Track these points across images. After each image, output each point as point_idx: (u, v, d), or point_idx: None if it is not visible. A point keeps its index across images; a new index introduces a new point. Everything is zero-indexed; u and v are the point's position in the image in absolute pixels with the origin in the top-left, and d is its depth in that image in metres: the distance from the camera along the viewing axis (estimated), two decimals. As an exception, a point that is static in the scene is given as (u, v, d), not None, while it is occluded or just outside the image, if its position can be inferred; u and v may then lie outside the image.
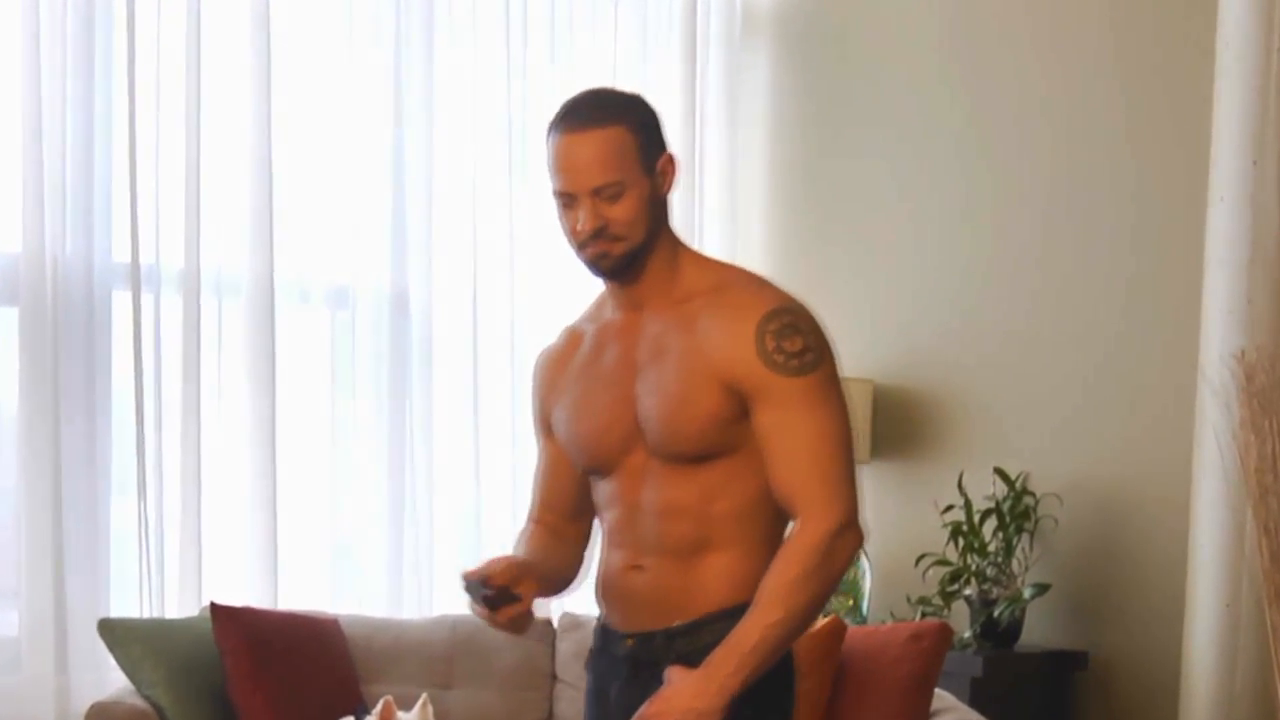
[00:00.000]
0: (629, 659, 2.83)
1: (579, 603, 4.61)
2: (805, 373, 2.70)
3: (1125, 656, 5.14)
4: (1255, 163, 4.63)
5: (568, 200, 2.74)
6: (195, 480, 4.96)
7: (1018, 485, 5.18)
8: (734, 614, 2.70)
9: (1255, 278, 4.65)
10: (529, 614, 2.76)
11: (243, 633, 4.52)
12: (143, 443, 4.86)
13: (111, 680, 4.65)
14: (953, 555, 5.17)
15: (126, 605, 4.86)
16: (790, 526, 2.75)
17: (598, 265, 2.77)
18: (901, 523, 5.51)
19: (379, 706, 4.00)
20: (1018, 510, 5.16)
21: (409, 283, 5.39)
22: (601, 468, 2.85)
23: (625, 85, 2.93)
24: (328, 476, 5.29)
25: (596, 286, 2.91)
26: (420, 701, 4.07)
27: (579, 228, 2.73)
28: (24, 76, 4.73)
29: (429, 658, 4.88)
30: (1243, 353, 4.59)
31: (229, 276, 5.08)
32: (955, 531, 5.16)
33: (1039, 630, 5.22)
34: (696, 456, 2.74)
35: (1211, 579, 4.71)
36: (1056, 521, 5.19)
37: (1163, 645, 4.97)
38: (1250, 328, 4.63)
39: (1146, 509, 5.11)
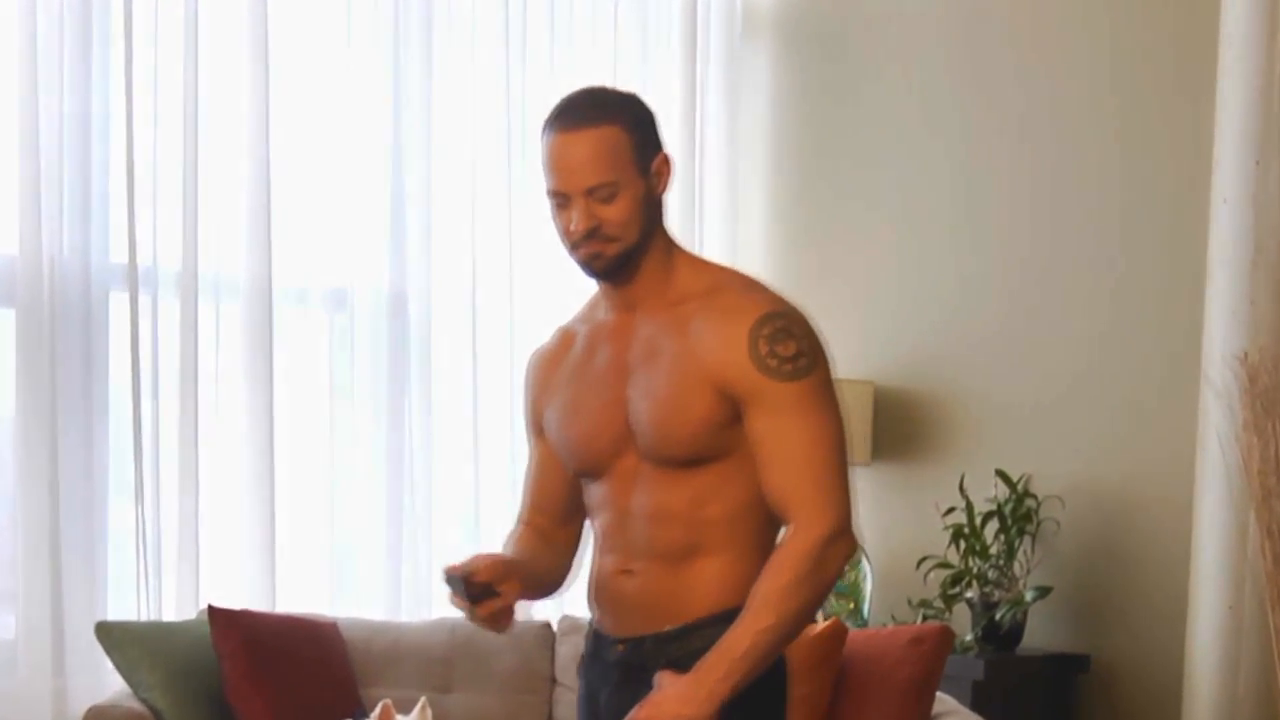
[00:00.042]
0: (619, 664, 2.82)
1: (578, 606, 4.58)
2: (799, 377, 2.68)
3: (1127, 659, 5.13)
4: (1258, 163, 4.63)
5: (561, 200, 2.72)
6: (193, 482, 4.95)
7: (1019, 487, 5.17)
8: (724, 619, 2.68)
9: (1258, 279, 4.64)
10: (510, 612, 2.74)
11: (241, 636, 4.51)
12: (140, 445, 4.86)
13: (109, 683, 4.65)
14: (954, 558, 5.16)
15: (124, 608, 4.86)
16: (782, 532, 2.72)
17: (591, 266, 2.75)
18: (902, 525, 5.51)
19: (378, 710, 3.99)
20: (1019, 512, 5.15)
21: (407, 285, 5.38)
22: (592, 471, 2.83)
23: (625, 86, 2.90)
24: (326, 479, 5.29)
25: (594, 288, 2.89)
26: (419, 705, 4.06)
27: (572, 228, 2.72)
28: (21, 77, 4.72)
29: (428, 661, 4.87)
30: (1245, 354, 4.58)
31: (227, 278, 5.07)
32: (956, 534, 5.15)
33: (1041, 633, 5.21)
34: (688, 461, 2.72)
35: (1214, 582, 4.70)
36: (1058, 524, 5.18)
37: (1165, 648, 4.96)
38: (1253, 329, 4.63)
39: (1149, 511, 5.10)
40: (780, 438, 2.68)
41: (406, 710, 4.05)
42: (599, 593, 2.86)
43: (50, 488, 4.72)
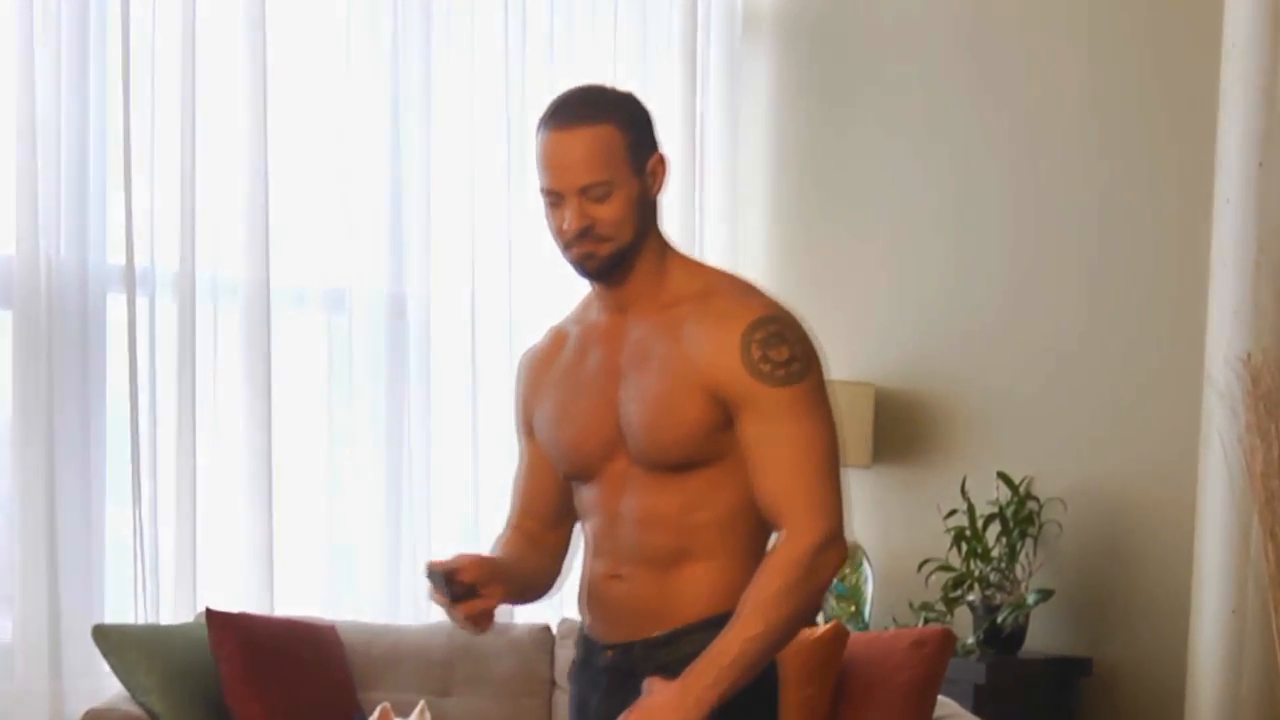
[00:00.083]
0: (609, 670, 2.80)
1: (578, 609, 4.57)
2: (791, 383, 2.66)
3: (1130, 663, 5.12)
4: (1261, 165, 4.64)
5: (554, 198, 2.70)
6: (190, 485, 4.94)
7: (1021, 490, 5.17)
8: (713, 625, 2.66)
9: (1261, 280, 4.64)
10: (490, 615, 2.71)
11: (239, 639, 4.50)
12: (137, 447, 4.84)
13: (106, 687, 4.63)
14: (955, 561, 5.16)
15: (121, 611, 4.85)
16: (774, 538, 2.70)
17: (583, 266, 2.73)
18: (904, 528, 5.51)
19: (376, 713, 3.99)
20: (1021, 515, 5.15)
21: (406, 286, 5.37)
22: (582, 474, 2.81)
23: (625, 86, 2.88)
24: (324, 481, 5.28)
25: (589, 289, 2.86)
26: (418, 708, 4.06)
27: (565, 227, 2.70)
28: (18, 78, 4.71)
29: (427, 664, 4.86)
30: (1249, 356, 4.59)
31: (224, 279, 5.07)
32: (958, 537, 5.14)
33: (1043, 636, 5.20)
34: (679, 465, 2.70)
35: (1217, 585, 4.70)
36: (1060, 526, 5.17)
37: (1168, 651, 4.96)
38: (1256, 331, 4.63)
39: (1151, 514, 5.09)
40: (772, 444, 2.65)
41: (405, 714, 4.04)
42: (589, 598, 2.84)
43: (47, 490, 4.71)
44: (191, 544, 4.94)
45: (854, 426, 5.37)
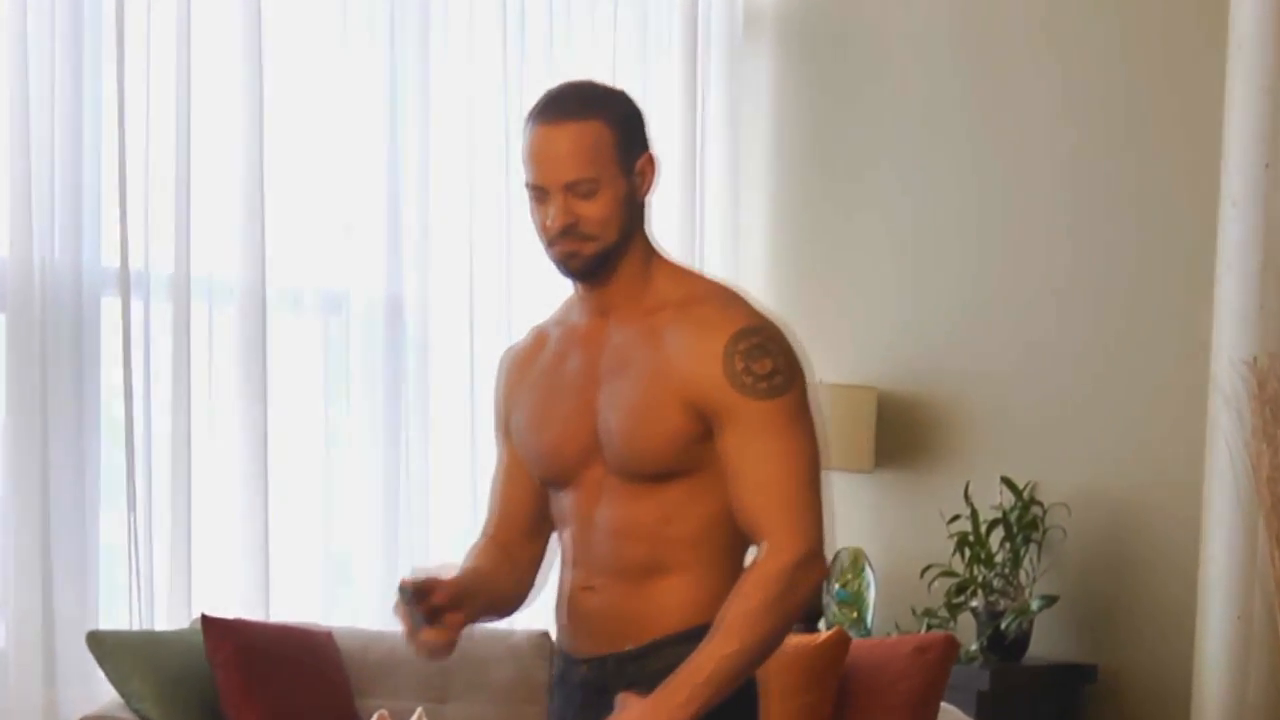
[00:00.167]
0: (584, 685, 2.76)
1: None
2: (774, 396, 2.61)
3: (1135, 669, 5.11)
4: (1268, 166, 4.64)
5: (539, 194, 2.66)
6: (186, 490, 4.93)
7: (1025, 495, 5.16)
8: (686, 639, 2.62)
9: (1267, 283, 4.64)
10: (451, 646, 2.65)
11: (234, 645, 4.49)
12: (132, 451, 4.83)
13: (100, 694, 4.61)
14: (959, 566, 5.15)
15: (116, 617, 4.83)
16: (752, 552, 2.66)
17: (566, 264, 2.69)
18: (906, 533, 5.50)
19: (373, 720, 3.97)
20: (1025, 520, 5.14)
21: (403, 288, 5.36)
22: (558, 480, 2.77)
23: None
24: (321, 486, 5.27)
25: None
26: (415, 715, 4.06)
27: (548, 223, 2.65)
28: (11, 79, 4.70)
29: (424, 671, 4.83)
30: (1255, 359, 4.59)
31: (220, 282, 5.05)
32: (961, 542, 5.13)
33: (1047, 643, 5.18)
34: (656, 475, 2.66)
35: (1223, 590, 4.69)
36: (1065, 532, 5.16)
37: (1173, 658, 4.95)
38: (1262, 334, 4.63)
39: (1156, 519, 5.08)
40: (753, 457, 2.61)
41: (402, 720, 4.02)
42: (563, 609, 2.79)
43: (41, 494, 4.69)
44: (187, 549, 4.92)
45: (856, 430, 5.36)
